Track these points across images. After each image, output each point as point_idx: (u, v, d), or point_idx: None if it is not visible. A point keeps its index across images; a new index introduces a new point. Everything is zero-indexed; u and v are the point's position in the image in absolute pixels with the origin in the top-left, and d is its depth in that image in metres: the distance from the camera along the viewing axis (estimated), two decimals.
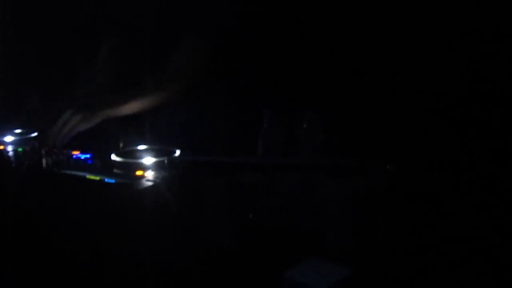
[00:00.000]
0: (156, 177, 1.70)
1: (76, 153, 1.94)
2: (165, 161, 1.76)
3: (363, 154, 1.72)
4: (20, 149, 2.04)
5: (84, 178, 1.75)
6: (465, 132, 2.25)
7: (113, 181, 1.69)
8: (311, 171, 1.68)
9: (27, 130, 2.23)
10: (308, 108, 1.90)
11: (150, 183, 1.66)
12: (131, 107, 2.12)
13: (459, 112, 2.28)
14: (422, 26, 2.33)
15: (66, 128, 2.00)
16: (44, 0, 3.09)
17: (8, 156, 2.04)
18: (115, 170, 1.79)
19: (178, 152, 1.84)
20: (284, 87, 2.44)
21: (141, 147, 1.94)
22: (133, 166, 1.78)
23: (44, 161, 1.90)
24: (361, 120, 2.37)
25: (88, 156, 1.93)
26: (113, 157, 1.83)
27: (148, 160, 1.79)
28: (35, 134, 2.19)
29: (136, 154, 1.87)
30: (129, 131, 2.07)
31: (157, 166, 1.76)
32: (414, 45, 2.36)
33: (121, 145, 1.99)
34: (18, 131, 2.24)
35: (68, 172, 1.82)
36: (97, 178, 1.73)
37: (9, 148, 2.08)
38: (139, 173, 1.75)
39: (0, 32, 3.24)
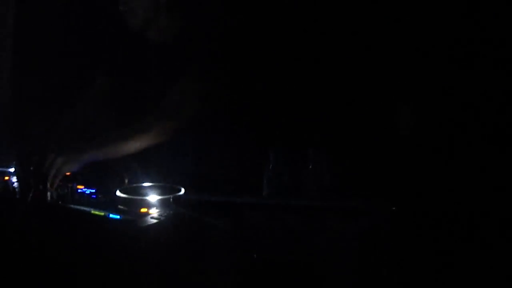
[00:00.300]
0: (160, 215, 1.70)
1: (81, 187, 1.95)
2: (170, 199, 1.77)
3: (368, 194, 1.73)
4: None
5: (89, 213, 1.76)
6: (470, 174, 2.25)
7: (117, 217, 1.70)
8: (317, 212, 1.68)
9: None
10: (313, 147, 1.91)
11: (154, 221, 1.67)
12: (134, 145, 2.13)
13: (464, 155, 2.29)
14: (427, 69, 2.36)
15: (55, 170, 1.99)
16: (35, 36, 3.14)
17: (13, 188, 2.04)
18: (120, 206, 1.80)
19: (183, 191, 1.85)
20: (290, 126, 2.46)
21: (146, 184, 1.95)
22: (137, 203, 1.79)
23: (49, 194, 1.91)
24: (366, 161, 2.38)
25: (93, 191, 1.93)
26: (118, 193, 1.84)
27: (153, 197, 1.80)
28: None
29: (141, 191, 1.88)
30: (134, 168, 2.08)
31: (161, 204, 1.77)
32: (418, 90, 2.39)
33: (126, 181, 2.01)
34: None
35: (72, 206, 1.83)
36: (102, 213, 1.74)
37: (14, 179, 2.09)
38: (143, 210, 1.76)
39: None
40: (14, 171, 2.10)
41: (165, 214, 1.72)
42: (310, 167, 1.87)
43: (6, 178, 2.10)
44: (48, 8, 3.13)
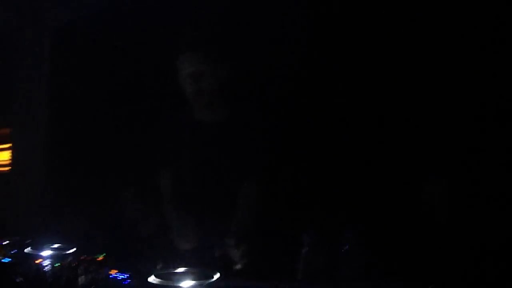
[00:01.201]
0: None
1: (113, 272, 1.93)
2: (204, 285, 1.74)
3: (405, 275, 1.69)
4: (57, 264, 2.04)
5: None
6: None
7: None
8: None
9: (65, 246, 2.24)
10: (348, 228, 1.89)
11: None
12: None
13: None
14: None
15: None
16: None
17: (45, 271, 2.03)
18: None
19: (217, 276, 1.82)
20: (323, 208, 2.45)
21: (180, 269, 1.92)
22: None
23: (81, 278, 1.89)
24: (401, 241, 2.34)
25: (125, 276, 1.91)
26: (151, 279, 1.81)
27: (187, 283, 1.77)
28: (73, 250, 2.19)
29: (175, 277, 1.85)
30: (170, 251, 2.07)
31: None
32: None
33: (159, 266, 1.98)
34: (56, 246, 2.25)
35: None
36: None
37: (46, 262, 2.08)
38: None
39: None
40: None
41: None
42: (345, 248, 1.85)
43: (39, 260, 2.09)
44: None
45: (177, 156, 2.47)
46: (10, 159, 4.05)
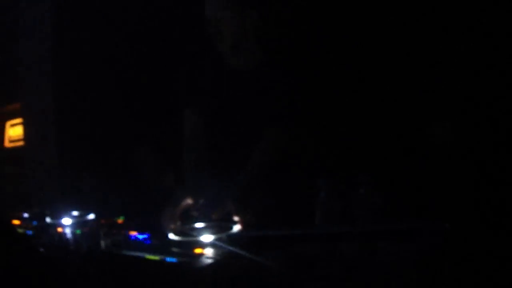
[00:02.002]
0: (216, 254, 1.68)
1: (134, 233, 1.94)
2: (224, 238, 1.75)
3: (420, 215, 1.68)
4: (78, 231, 2.06)
5: (144, 258, 1.75)
6: None
7: (173, 260, 1.68)
8: (370, 238, 1.64)
9: (85, 212, 2.26)
10: (362, 172, 1.88)
11: (210, 261, 1.64)
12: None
13: None
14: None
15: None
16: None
17: (67, 239, 2.05)
18: (174, 249, 1.78)
19: (236, 227, 1.83)
20: (337, 154, 2.44)
21: (198, 224, 1.93)
22: (191, 244, 1.77)
23: (102, 242, 1.91)
24: (416, 181, 2.33)
25: (146, 236, 1.92)
26: (171, 236, 1.82)
27: (207, 237, 1.78)
28: (93, 216, 2.21)
29: (193, 232, 1.86)
30: (188, 208, 2.07)
31: (216, 243, 1.75)
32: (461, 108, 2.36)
33: (178, 223, 2.00)
34: (75, 213, 2.27)
35: (127, 252, 1.82)
36: (157, 257, 1.72)
37: (67, 230, 2.10)
38: (198, 251, 1.73)
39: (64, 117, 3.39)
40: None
41: (220, 253, 1.69)
42: (361, 192, 1.84)
43: (60, 229, 2.12)
44: None
45: (200, 103, 2.45)
46: (22, 134, 4.08)
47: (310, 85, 2.41)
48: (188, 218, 2.01)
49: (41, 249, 1.99)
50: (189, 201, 2.06)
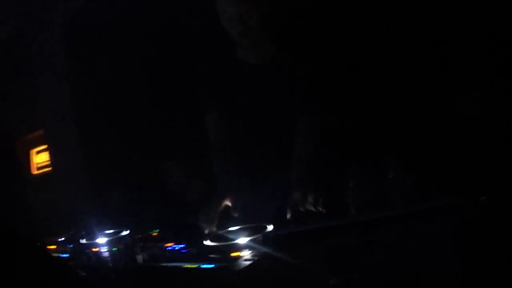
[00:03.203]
0: (253, 255, 1.66)
1: (170, 244, 1.94)
2: (259, 239, 1.73)
3: (455, 192, 1.65)
4: (114, 249, 2.06)
5: (182, 268, 1.74)
6: None
7: (211, 266, 1.67)
8: (407, 220, 1.61)
9: (118, 230, 2.25)
10: (391, 155, 1.85)
11: (248, 262, 1.63)
12: None
13: None
14: None
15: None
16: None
17: (104, 258, 2.05)
18: (211, 255, 1.77)
19: (271, 227, 1.81)
20: (365, 139, 2.41)
21: (232, 228, 1.92)
22: (228, 248, 1.75)
23: (139, 257, 1.91)
24: (446, 157, 2.29)
25: (182, 246, 1.92)
26: (207, 242, 1.81)
27: (242, 239, 1.76)
28: (127, 232, 2.21)
29: (229, 236, 1.85)
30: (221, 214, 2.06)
31: (252, 244, 1.73)
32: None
33: (213, 229, 1.99)
34: (109, 232, 2.27)
35: (165, 264, 1.81)
36: (195, 265, 1.71)
37: (103, 250, 2.10)
38: (235, 254, 1.72)
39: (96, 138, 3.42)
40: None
41: (258, 254, 1.67)
42: (391, 175, 1.81)
43: (95, 249, 2.12)
44: None
45: (223, 101, 2.42)
46: (48, 160, 4.12)
47: (334, 72, 2.37)
48: (223, 222, 2.00)
49: (79, 271, 1.99)
50: (223, 205, 2.05)
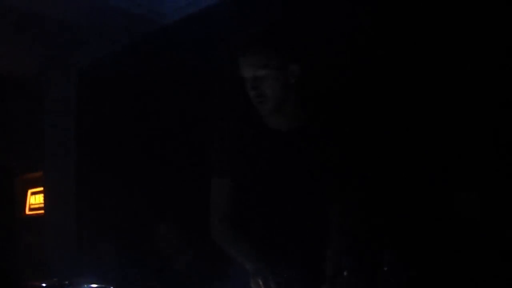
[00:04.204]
0: None
1: None
2: None
3: None
4: None
5: None
6: None
7: None
8: None
9: (104, 286, 2.24)
10: (387, 250, 1.86)
11: None
12: None
13: None
14: None
15: None
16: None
17: None
18: None
19: None
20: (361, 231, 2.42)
21: None
22: None
23: None
24: (441, 257, 2.30)
25: None
26: None
27: None
28: None
29: None
30: None
31: None
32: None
33: None
34: (94, 285, 2.25)
35: None
36: None
37: None
38: None
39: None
40: None
41: None
42: (385, 269, 1.81)
43: None
44: None
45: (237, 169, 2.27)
46: (42, 202, 4.11)
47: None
48: None
49: None
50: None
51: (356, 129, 2.31)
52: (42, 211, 4.09)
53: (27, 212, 4.43)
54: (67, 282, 2.29)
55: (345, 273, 1.84)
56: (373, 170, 2.49)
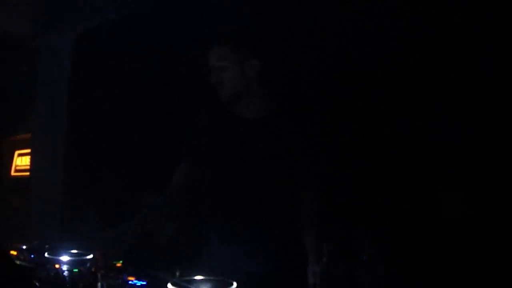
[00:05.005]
0: None
1: (132, 279, 1.93)
2: None
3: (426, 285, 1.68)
4: (75, 270, 2.05)
5: None
6: None
7: None
8: None
9: (84, 252, 2.25)
10: (366, 239, 1.88)
11: None
12: None
13: None
14: None
15: None
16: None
17: (63, 276, 2.04)
18: None
19: (234, 286, 1.82)
20: (341, 220, 2.44)
21: (198, 277, 1.92)
22: None
23: (99, 284, 1.90)
24: (422, 251, 2.33)
25: (143, 283, 1.91)
26: (170, 286, 1.81)
27: None
28: (91, 256, 2.20)
29: (192, 285, 1.85)
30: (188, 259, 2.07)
31: None
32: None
33: (177, 273, 1.98)
34: (74, 251, 2.26)
35: None
36: None
37: (65, 268, 2.09)
38: None
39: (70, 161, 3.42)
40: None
41: None
42: (364, 258, 1.84)
43: (57, 266, 2.11)
44: None
45: (206, 154, 2.44)
46: (29, 164, 4.10)
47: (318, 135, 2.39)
48: (191, 268, 2.00)
49: (36, 283, 1.98)
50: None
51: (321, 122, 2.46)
52: (28, 173, 4.09)
53: (13, 173, 4.42)
54: (47, 246, 2.30)
55: (325, 260, 1.87)
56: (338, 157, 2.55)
